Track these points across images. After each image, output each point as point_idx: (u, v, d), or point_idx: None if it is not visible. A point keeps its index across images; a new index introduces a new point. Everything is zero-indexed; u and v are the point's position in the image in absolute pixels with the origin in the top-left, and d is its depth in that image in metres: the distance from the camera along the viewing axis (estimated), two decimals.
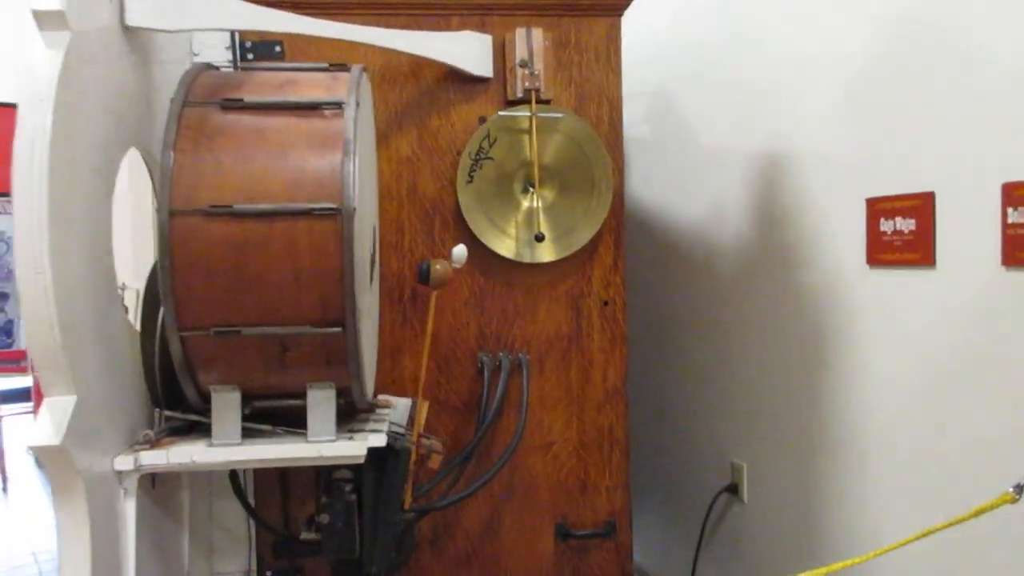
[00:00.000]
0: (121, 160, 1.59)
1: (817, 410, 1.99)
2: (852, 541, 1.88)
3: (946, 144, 1.58)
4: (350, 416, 1.76)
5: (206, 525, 2.04)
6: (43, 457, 1.35)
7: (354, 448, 1.59)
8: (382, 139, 2.05)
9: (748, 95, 2.25)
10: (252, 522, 2.00)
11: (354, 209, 1.45)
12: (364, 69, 1.66)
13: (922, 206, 1.63)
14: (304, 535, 1.75)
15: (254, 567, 2.09)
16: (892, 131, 1.72)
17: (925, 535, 1.26)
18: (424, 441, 1.79)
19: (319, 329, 1.50)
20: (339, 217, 1.45)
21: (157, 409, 1.67)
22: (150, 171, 1.76)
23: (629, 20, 2.15)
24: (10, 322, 4.83)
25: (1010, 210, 1.42)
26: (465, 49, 2.02)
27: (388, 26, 1.93)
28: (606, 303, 2.15)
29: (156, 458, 1.55)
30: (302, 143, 1.48)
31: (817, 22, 1.95)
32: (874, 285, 1.78)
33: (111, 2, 1.56)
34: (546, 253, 2.08)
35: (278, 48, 2.00)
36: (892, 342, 1.74)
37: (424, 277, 1.77)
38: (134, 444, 1.58)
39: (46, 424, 1.33)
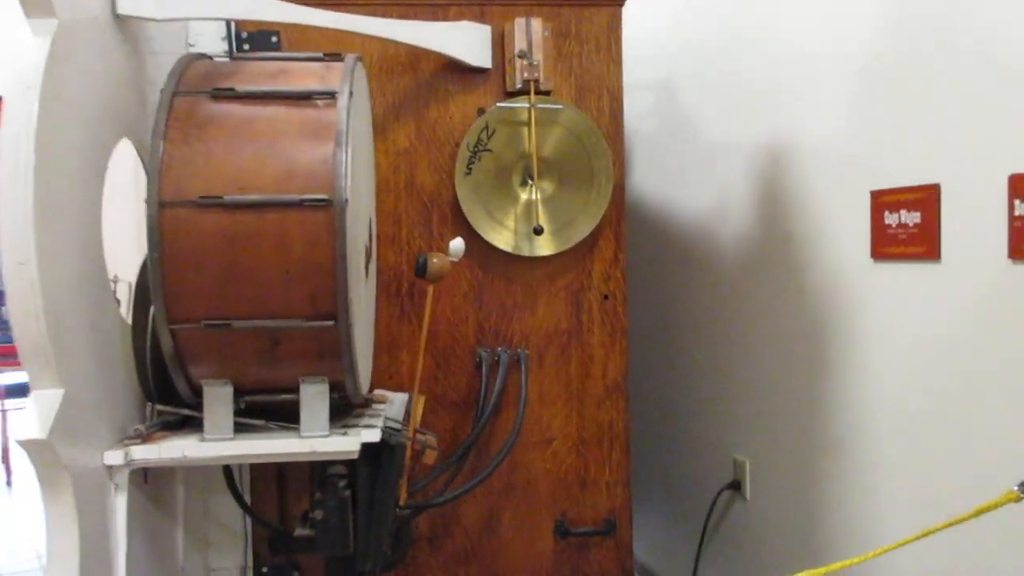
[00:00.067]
0: (112, 150, 1.56)
1: (820, 406, 1.96)
2: (855, 538, 1.86)
3: (952, 135, 1.55)
4: (345, 411, 1.74)
5: (202, 520, 2.02)
6: (29, 451, 1.33)
7: (347, 444, 1.57)
8: (379, 131, 2.03)
9: (751, 88, 2.22)
10: (248, 517, 1.98)
11: (346, 200, 1.43)
12: (359, 58, 1.63)
13: (927, 199, 1.60)
14: (298, 531, 1.73)
15: (251, 563, 2.07)
16: (897, 123, 1.69)
17: (927, 534, 1.24)
18: (419, 437, 1.76)
19: (311, 323, 1.47)
20: (331, 209, 1.43)
21: (149, 403, 1.65)
22: (144, 162, 1.74)
23: (630, 11, 2.12)
24: None
25: (1017, 202, 1.39)
26: (463, 39, 2.00)
27: (386, 16, 1.91)
28: (606, 297, 2.12)
29: (147, 453, 1.53)
30: (294, 133, 1.46)
31: (822, 13, 1.92)
32: (878, 280, 1.76)
33: None
34: (545, 246, 2.05)
35: (275, 39, 1.98)
36: (896, 337, 1.71)
37: (421, 270, 1.75)
38: (125, 439, 1.56)
39: (32, 418, 1.31)
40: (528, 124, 2.01)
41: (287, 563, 2.05)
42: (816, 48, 1.94)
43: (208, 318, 1.46)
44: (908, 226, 1.65)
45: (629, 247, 2.18)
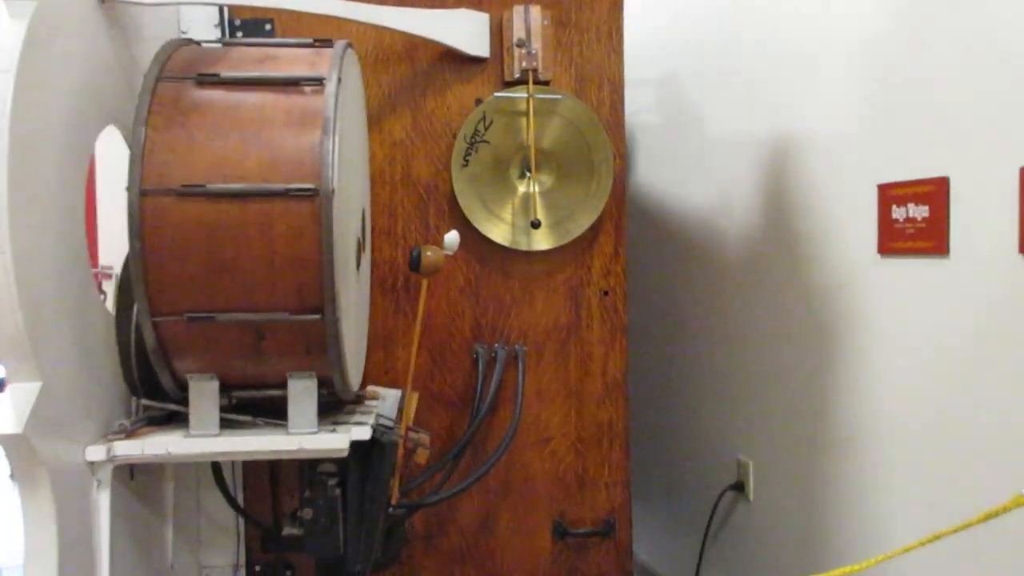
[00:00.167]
0: (96, 137, 1.52)
1: (826, 405, 1.92)
2: (860, 541, 1.82)
3: (960, 127, 1.51)
4: (336, 408, 1.70)
5: (193, 517, 1.99)
6: (5, 446, 1.29)
7: (336, 441, 1.53)
8: (375, 121, 1.98)
9: (756, 80, 2.18)
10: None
11: (333, 190, 1.38)
12: (350, 44, 1.59)
13: (936, 192, 1.55)
14: (286, 530, 1.69)
15: (243, 561, 2.04)
16: (904, 114, 1.65)
17: (932, 540, 1.20)
18: (411, 435, 1.72)
19: (297, 316, 1.43)
20: (317, 199, 1.39)
21: (135, 398, 1.62)
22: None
23: (632, 7, 2.08)
24: None
25: None
26: (461, 28, 1.95)
27: (382, 3, 1.86)
28: (606, 293, 2.07)
29: (130, 448, 1.50)
30: (280, 120, 1.42)
31: (825, 1, 1.87)
32: (885, 275, 1.71)
33: None
34: (542, 240, 2.01)
35: (268, 27, 1.94)
36: (903, 334, 1.67)
37: (415, 264, 1.71)
38: (109, 434, 1.53)
39: (7, 412, 1.27)
40: (527, 115, 1.97)
41: (280, 561, 2.02)
42: (821, 38, 1.89)
43: (191, 310, 1.42)
44: (916, 220, 1.60)
45: (630, 242, 2.14)
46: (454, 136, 1.99)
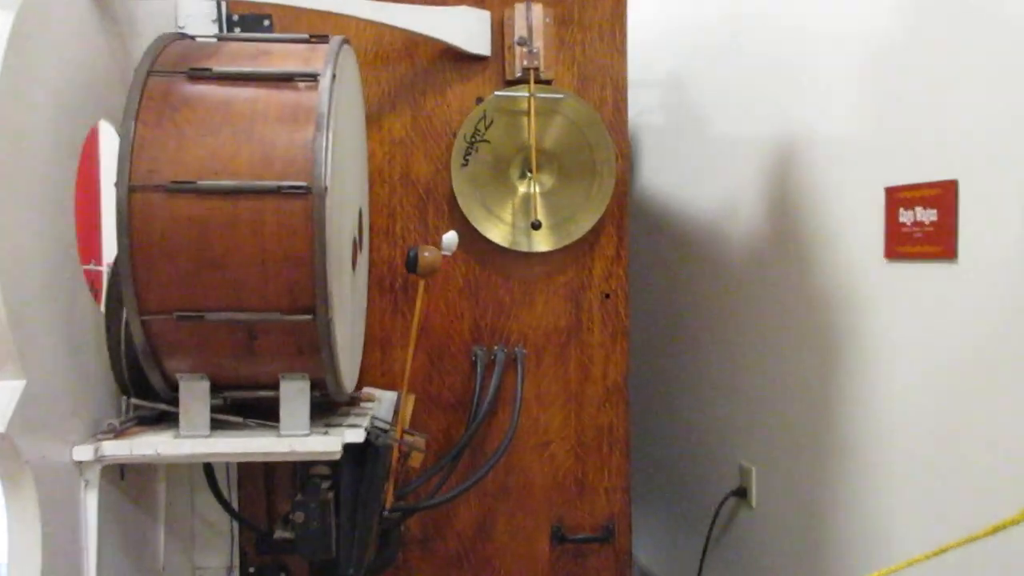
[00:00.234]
0: (86, 132, 1.50)
1: (830, 411, 1.89)
2: (864, 549, 1.78)
3: (970, 129, 1.47)
4: (331, 409, 1.68)
5: (187, 518, 1.96)
6: None
7: (329, 444, 1.51)
8: (374, 120, 1.96)
9: (762, 81, 2.15)
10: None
11: (325, 188, 1.35)
12: (346, 40, 1.56)
13: (944, 195, 1.51)
14: (278, 533, 1.66)
15: (237, 563, 2.01)
16: (912, 116, 1.61)
17: (938, 553, 1.16)
18: (407, 438, 1.69)
19: (288, 316, 1.40)
20: (310, 196, 1.36)
21: (125, 397, 1.59)
22: None
23: (637, 9, 2.05)
24: None
25: None
26: (461, 25, 1.93)
27: (382, 0, 1.84)
28: (607, 296, 2.04)
29: (118, 449, 1.47)
30: (273, 116, 1.39)
31: (833, 1, 1.84)
32: (892, 280, 1.68)
33: None
34: (543, 242, 1.97)
35: (267, 22, 1.92)
36: (910, 340, 1.63)
37: (412, 264, 1.68)
38: (97, 433, 1.50)
39: None
40: (528, 114, 1.94)
41: (274, 564, 1.99)
42: (828, 39, 1.86)
43: (181, 309, 1.39)
44: (924, 224, 1.56)
45: (633, 244, 2.10)
46: (454, 135, 1.96)
